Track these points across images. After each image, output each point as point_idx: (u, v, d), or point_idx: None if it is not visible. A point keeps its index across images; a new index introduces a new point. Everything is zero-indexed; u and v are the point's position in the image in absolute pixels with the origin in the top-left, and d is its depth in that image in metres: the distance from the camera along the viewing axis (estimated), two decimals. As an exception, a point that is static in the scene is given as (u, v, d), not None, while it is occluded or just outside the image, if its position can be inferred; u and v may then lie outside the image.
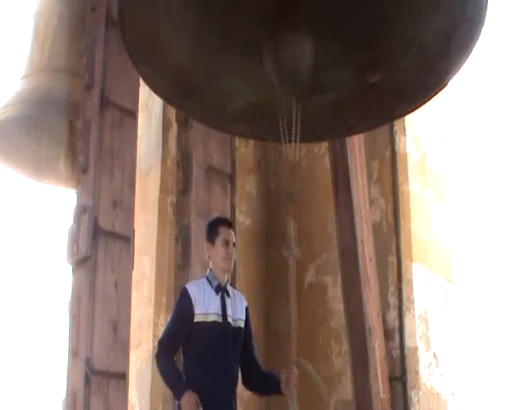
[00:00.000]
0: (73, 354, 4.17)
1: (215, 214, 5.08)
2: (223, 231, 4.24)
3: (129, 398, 4.51)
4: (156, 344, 4.17)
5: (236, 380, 4.21)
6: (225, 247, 4.20)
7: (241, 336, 4.21)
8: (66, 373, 4.21)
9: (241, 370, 4.26)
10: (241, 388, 5.29)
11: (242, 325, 4.23)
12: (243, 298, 4.37)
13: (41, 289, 7.56)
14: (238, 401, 5.42)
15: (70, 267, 4.42)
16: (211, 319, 4.07)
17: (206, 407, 3.88)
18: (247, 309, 4.32)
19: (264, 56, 2.94)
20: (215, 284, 4.17)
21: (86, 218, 4.34)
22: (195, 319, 4.05)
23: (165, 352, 4.05)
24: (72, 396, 4.10)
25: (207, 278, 4.21)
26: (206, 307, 4.08)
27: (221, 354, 4.06)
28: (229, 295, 4.21)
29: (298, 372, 4.05)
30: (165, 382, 4.11)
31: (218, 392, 4.00)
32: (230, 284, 4.38)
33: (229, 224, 4.37)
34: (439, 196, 6.31)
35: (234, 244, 4.25)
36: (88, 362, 4.09)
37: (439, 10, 2.68)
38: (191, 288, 4.16)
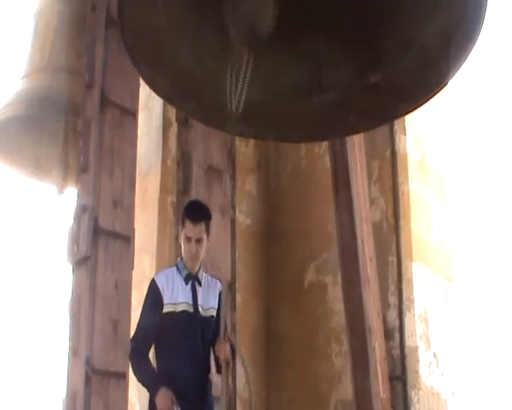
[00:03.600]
0: (74, 353, 4.17)
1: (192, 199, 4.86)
2: (187, 225, 4.02)
3: (129, 397, 4.51)
4: (129, 342, 4.07)
5: (208, 369, 4.10)
6: (187, 244, 4.03)
7: (212, 325, 4.11)
8: (67, 373, 4.21)
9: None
10: (240, 387, 5.30)
11: (214, 313, 4.13)
12: (217, 283, 4.22)
13: (41, 288, 7.56)
14: (238, 400, 5.43)
15: (70, 267, 4.42)
16: (180, 308, 4.00)
17: (178, 399, 3.80)
18: (219, 295, 4.18)
19: (224, 7, 2.84)
20: (184, 273, 4.07)
21: (86, 217, 4.34)
22: (165, 309, 3.98)
23: (139, 350, 3.96)
24: (72, 396, 4.10)
25: (177, 267, 4.12)
26: (175, 296, 4.00)
27: (191, 345, 3.99)
28: (200, 284, 4.11)
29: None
30: (139, 380, 4.03)
31: (189, 383, 3.93)
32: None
33: (194, 217, 4.05)
34: (439, 196, 6.31)
35: (199, 240, 4.00)
36: (88, 362, 4.09)
37: (439, 10, 2.68)
38: (159, 278, 4.09)
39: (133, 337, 4.04)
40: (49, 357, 7.07)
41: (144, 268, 5.93)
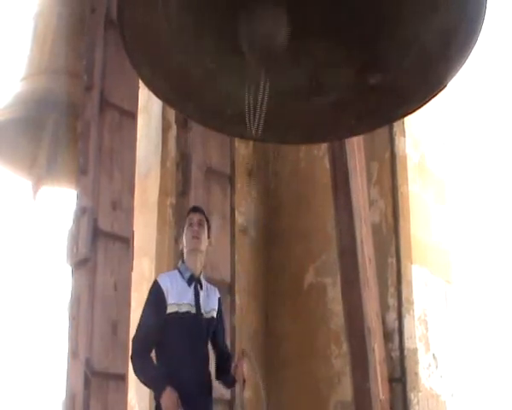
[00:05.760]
0: (73, 355, 4.17)
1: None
2: (188, 217, 4.25)
3: (128, 399, 4.51)
4: (131, 343, 4.07)
5: (208, 369, 4.15)
6: (189, 228, 4.19)
7: (213, 326, 4.19)
8: (66, 374, 4.21)
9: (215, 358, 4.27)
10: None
11: (215, 314, 4.20)
12: (216, 290, 4.33)
13: (41, 290, 7.56)
14: (236, 400, 5.43)
15: (70, 268, 4.42)
16: (184, 309, 4.02)
17: (182, 399, 3.80)
18: (219, 300, 4.29)
19: (239, 27, 2.86)
20: (187, 275, 4.11)
21: (86, 219, 4.35)
22: (168, 310, 3.99)
23: (140, 350, 3.95)
24: (71, 398, 4.10)
25: (179, 270, 4.16)
26: (178, 297, 4.02)
27: (195, 345, 4.01)
28: (201, 288, 4.16)
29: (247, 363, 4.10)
30: (143, 382, 4.02)
31: (193, 383, 3.94)
32: (215, 284, 4.38)
33: (194, 208, 4.38)
34: (438, 197, 6.31)
35: (200, 223, 4.20)
36: (87, 363, 4.09)
37: (438, 11, 2.68)
38: (162, 279, 4.12)
39: (135, 338, 4.02)
40: (49, 359, 7.07)
41: (143, 270, 5.93)
